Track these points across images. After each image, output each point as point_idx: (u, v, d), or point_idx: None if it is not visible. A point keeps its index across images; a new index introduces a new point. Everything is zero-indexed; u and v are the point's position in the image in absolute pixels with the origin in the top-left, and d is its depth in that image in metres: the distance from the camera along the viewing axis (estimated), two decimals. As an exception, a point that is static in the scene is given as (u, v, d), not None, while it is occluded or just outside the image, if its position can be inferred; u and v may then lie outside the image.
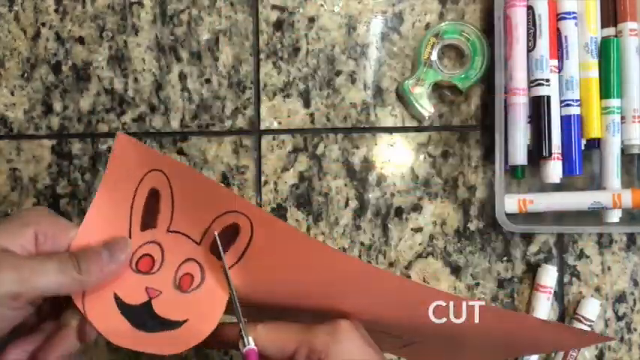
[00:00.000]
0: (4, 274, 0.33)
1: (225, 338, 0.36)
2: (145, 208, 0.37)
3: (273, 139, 0.52)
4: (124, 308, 0.36)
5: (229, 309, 0.36)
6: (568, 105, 0.49)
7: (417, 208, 0.52)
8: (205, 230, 0.37)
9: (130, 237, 0.37)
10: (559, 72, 0.50)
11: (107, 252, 0.35)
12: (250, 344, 0.35)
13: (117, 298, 0.36)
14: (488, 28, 0.51)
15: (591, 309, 0.50)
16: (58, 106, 0.52)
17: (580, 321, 0.50)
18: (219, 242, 0.36)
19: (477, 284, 0.52)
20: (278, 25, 0.52)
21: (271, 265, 0.37)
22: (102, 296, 0.36)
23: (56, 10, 0.53)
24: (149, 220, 0.37)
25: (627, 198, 0.48)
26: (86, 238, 0.36)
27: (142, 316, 0.36)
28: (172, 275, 0.37)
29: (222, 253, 0.36)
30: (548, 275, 0.51)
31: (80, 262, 0.34)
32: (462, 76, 0.51)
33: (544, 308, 0.51)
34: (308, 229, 0.52)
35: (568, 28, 0.49)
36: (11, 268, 0.33)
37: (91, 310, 0.35)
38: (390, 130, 0.52)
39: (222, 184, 0.51)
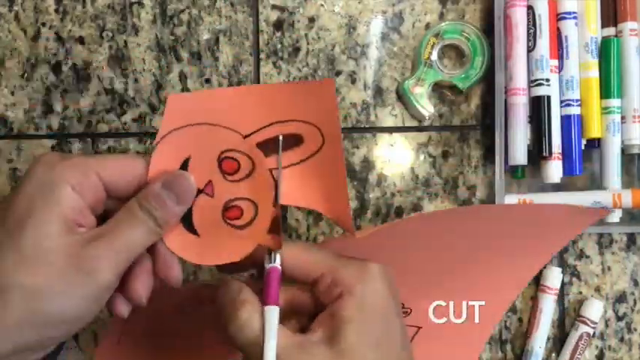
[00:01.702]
0: (107, 261, 0.32)
1: (251, 257, 0.35)
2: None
3: (273, 139, 0.52)
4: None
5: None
6: (568, 105, 0.49)
7: (417, 208, 0.52)
8: (260, 128, 0.35)
9: None
10: (559, 72, 0.50)
11: (174, 199, 0.34)
12: (276, 262, 0.34)
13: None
14: (488, 28, 0.51)
15: (595, 311, 0.50)
16: (58, 106, 0.52)
17: (585, 323, 0.50)
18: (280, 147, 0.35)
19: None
20: (278, 25, 0.52)
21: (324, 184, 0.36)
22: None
23: (56, 10, 0.53)
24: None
25: (627, 198, 0.48)
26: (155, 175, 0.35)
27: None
28: (216, 165, 0.35)
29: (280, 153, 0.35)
30: (554, 276, 0.51)
31: (157, 217, 0.33)
32: (462, 76, 0.51)
33: (550, 309, 0.51)
34: (308, 228, 0.52)
35: (568, 28, 0.49)
36: (108, 250, 0.32)
37: (157, 159, 0.35)
38: (390, 130, 0.52)
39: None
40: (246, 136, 0.35)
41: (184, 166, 0.35)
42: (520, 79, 0.49)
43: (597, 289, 0.52)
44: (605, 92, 0.49)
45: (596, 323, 0.50)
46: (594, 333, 0.51)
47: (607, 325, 0.52)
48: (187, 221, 0.35)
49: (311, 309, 0.35)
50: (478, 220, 0.43)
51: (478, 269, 0.45)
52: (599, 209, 0.48)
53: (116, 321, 0.42)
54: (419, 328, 0.46)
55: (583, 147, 0.50)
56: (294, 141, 0.35)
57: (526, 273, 0.49)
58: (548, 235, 0.46)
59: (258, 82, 0.52)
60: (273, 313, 0.33)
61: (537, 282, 0.51)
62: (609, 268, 0.52)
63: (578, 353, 0.50)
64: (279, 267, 0.34)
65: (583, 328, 0.50)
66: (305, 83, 0.36)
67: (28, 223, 0.31)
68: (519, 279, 0.48)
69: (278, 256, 0.35)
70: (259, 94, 0.35)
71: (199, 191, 0.35)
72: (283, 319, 0.34)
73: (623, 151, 0.50)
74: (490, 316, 0.48)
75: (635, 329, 0.52)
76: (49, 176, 0.32)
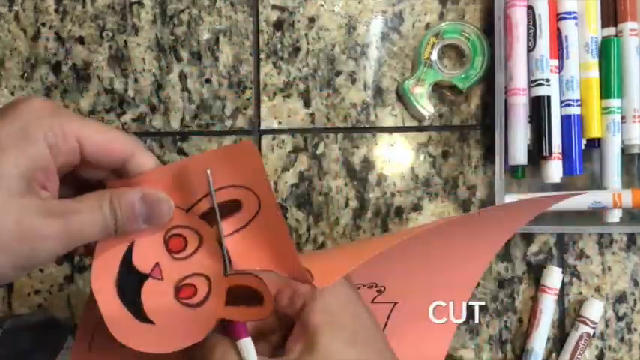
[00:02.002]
0: (52, 243, 0.30)
1: None
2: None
3: (273, 139, 0.52)
4: (125, 268, 0.33)
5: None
6: (568, 105, 0.49)
7: (417, 208, 0.52)
8: (199, 199, 0.34)
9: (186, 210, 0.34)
10: (559, 72, 0.50)
11: (145, 216, 0.32)
12: None
13: (128, 251, 0.34)
14: (488, 28, 0.51)
15: (595, 311, 0.50)
16: (58, 106, 0.52)
17: (585, 323, 0.50)
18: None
19: (477, 284, 0.52)
20: (278, 25, 0.52)
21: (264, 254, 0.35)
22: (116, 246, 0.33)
23: (56, 10, 0.53)
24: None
25: (627, 198, 0.48)
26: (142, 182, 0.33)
27: (131, 292, 0.33)
28: (162, 243, 0.34)
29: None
30: (554, 276, 0.51)
31: (119, 221, 0.32)
32: (462, 76, 0.51)
33: (550, 309, 0.51)
34: (308, 229, 0.52)
35: (568, 28, 0.49)
36: (59, 233, 0.30)
37: (100, 250, 0.33)
38: (390, 130, 0.52)
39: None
40: (187, 210, 0.34)
41: (129, 253, 0.34)
42: (520, 79, 0.49)
43: (597, 289, 0.52)
44: (605, 92, 0.49)
45: (596, 323, 0.50)
46: (594, 333, 0.51)
47: (607, 325, 0.52)
48: (139, 312, 0.34)
49: (277, 325, 0.36)
50: (453, 229, 0.43)
51: (454, 266, 0.45)
52: (556, 195, 0.48)
53: (86, 325, 0.41)
54: (395, 303, 0.46)
55: (583, 147, 0.50)
56: (233, 207, 0.34)
57: (486, 262, 0.48)
58: (511, 225, 0.45)
59: (258, 83, 0.52)
60: (247, 344, 0.33)
61: (537, 282, 0.51)
62: (609, 268, 0.52)
63: (578, 353, 0.50)
64: None
65: (583, 328, 0.50)
66: (225, 149, 0.34)
67: (9, 140, 0.29)
68: (481, 269, 0.48)
69: None
70: (189, 167, 0.34)
71: (147, 276, 0.34)
72: (255, 345, 0.33)
73: (623, 151, 0.50)
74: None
75: (635, 329, 0.52)
76: (31, 124, 0.30)
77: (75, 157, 0.31)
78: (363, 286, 0.45)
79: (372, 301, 0.46)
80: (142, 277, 0.34)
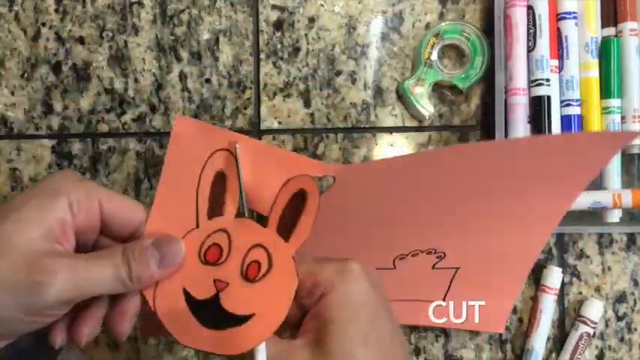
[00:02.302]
0: (60, 281, 0.30)
1: None
2: (211, 194, 0.35)
3: (274, 139, 0.52)
4: (193, 304, 0.34)
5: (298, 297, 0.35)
6: (568, 105, 0.49)
7: (417, 208, 0.52)
8: (271, 209, 0.35)
9: (197, 226, 0.35)
10: (559, 72, 0.50)
11: (157, 259, 0.33)
12: None
13: (186, 294, 0.34)
14: (488, 28, 0.51)
15: (595, 311, 0.50)
16: (58, 106, 0.52)
17: (585, 323, 0.50)
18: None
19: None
20: (278, 25, 0.52)
21: (353, 200, 0.37)
22: (171, 291, 0.34)
23: (56, 10, 0.53)
24: (216, 207, 0.35)
25: (627, 198, 0.48)
26: (153, 233, 0.35)
27: (210, 313, 0.34)
28: (239, 264, 0.34)
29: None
30: (554, 276, 0.51)
31: (132, 268, 0.33)
32: (462, 76, 0.51)
33: (550, 309, 0.51)
34: (308, 229, 0.52)
35: (568, 28, 0.49)
36: (67, 272, 0.31)
37: (161, 306, 0.34)
38: (390, 130, 0.52)
39: (296, 153, 0.52)
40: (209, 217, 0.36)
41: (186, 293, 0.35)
42: (520, 79, 0.49)
43: (597, 289, 0.52)
44: (605, 92, 0.49)
45: (596, 323, 0.50)
46: (594, 333, 0.51)
47: (607, 325, 0.52)
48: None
49: (297, 317, 0.35)
50: (495, 157, 0.40)
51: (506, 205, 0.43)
52: (625, 133, 0.46)
53: None
54: (457, 268, 0.47)
55: (583, 147, 0.50)
56: (299, 201, 0.35)
57: (559, 208, 0.45)
58: (576, 168, 0.42)
59: (258, 83, 0.52)
60: None
61: (537, 282, 0.51)
62: (609, 268, 0.52)
63: (578, 353, 0.50)
64: None
65: (583, 328, 0.50)
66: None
67: (11, 216, 0.31)
68: (555, 211, 0.45)
69: None
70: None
71: (213, 298, 0.34)
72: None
73: (623, 151, 0.50)
74: (533, 245, 0.47)
75: (635, 329, 0.52)
76: (54, 186, 0.33)
77: (95, 218, 0.33)
78: (422, 252, 0.45)
79: (433, 267, 0.46)
80: (182, 262, 0.35)
